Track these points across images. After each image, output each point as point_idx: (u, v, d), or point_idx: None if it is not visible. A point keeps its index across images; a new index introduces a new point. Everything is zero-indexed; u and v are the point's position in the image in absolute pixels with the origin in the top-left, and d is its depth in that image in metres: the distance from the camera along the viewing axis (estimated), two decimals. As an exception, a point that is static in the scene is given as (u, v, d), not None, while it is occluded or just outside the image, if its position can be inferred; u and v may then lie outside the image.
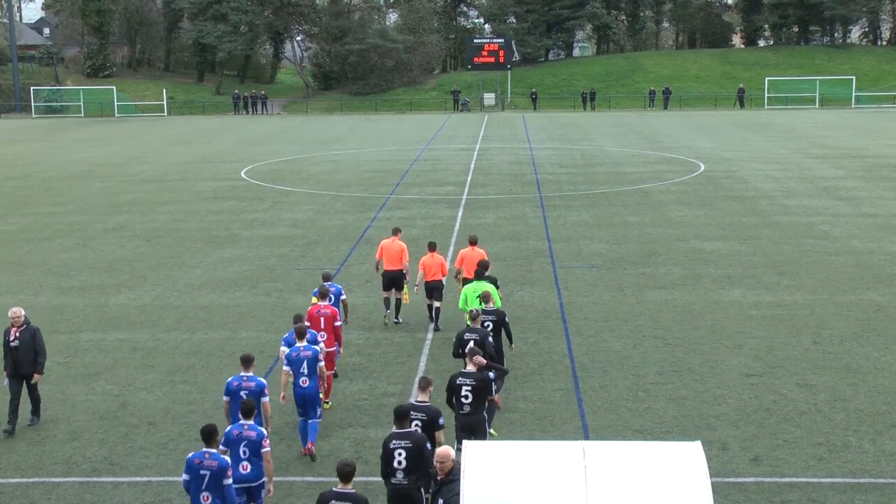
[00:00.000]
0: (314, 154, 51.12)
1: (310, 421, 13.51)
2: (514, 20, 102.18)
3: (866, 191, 35.83)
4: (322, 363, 13.59)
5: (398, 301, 19.57)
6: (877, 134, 57.95)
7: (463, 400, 12.07)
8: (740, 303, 20.89)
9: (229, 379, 12.66)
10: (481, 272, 16.98)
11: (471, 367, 12.34)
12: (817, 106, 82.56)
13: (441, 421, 11.17)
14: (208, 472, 10.29)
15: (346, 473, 9.63)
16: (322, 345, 14.58)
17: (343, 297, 16.85)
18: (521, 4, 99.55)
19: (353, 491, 9.62)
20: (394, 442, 10.46)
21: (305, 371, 13.34)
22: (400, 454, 10.38)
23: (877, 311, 20.23)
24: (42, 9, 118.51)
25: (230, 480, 10.37)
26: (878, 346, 17.93)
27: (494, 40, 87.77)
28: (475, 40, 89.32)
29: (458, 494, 8.35)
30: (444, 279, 19.28)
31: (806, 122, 67.48)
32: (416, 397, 11.47)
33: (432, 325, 19.31)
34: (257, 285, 22.99)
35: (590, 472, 8.09)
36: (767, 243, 26.78)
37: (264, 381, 12.60)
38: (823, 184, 37.63)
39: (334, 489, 9.67)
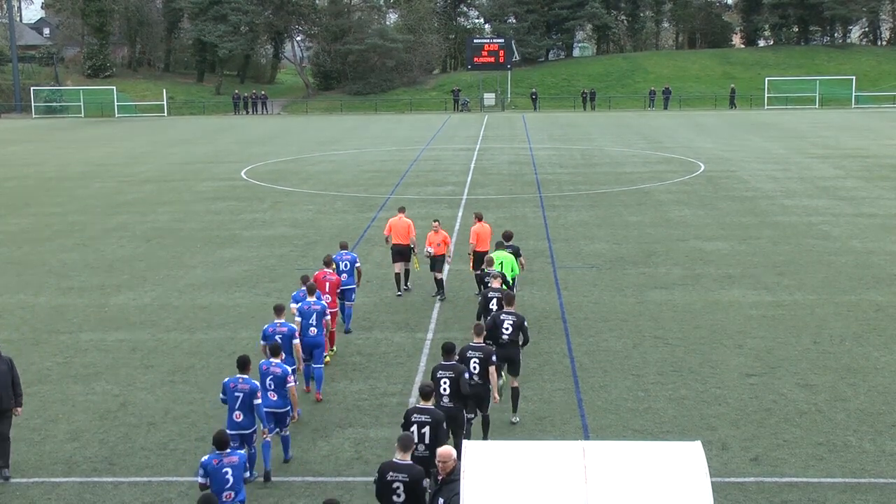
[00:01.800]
0: (314, 154, 51.12)
1: (315, 366, 15.48)
2: (514, 20, 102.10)
3: (866, 191, 35.83)
4: (328, 317, 15.83)
5: (407, 271, 21.72)
6: (877, 134, 57.94)
7: (504, 331, 14.28)
8: (740, 303, 20.89)
9: (265, 326, 14.61)
10: (502, 242, 19.20)
11: (510, 308, 14.63)
12: (817, 106, 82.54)
13: (494, 357, 13.28)
14: (241, 394, 12.13)
15: (426, 393, 11.40)
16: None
17: (358, 264, 19.12)
18: (521, 4, 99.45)
19: (433, 407, 11.31)
20: (440, 372, 12.49)
21: (314, 322, 15.44)
22: (445, 382, 12.36)
23: (877, 311, 20.23)
24: (42, 9, 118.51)
25: (260, 401, 12.27)
26: (878, 346, 17.93)
27: (494, 40, 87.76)
28: (475, 40, 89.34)
29: (458, 494, 8.36)
30: (447, 254, 21.35)
31: (806, 122, 67.47)
32: (472, 341, 13.47)
33: (437, 298, 21.20)
34: (257, 285, 22.99)
35: (590, 472, 8.10)
36: (767, 243, 26.78)
37: (295, 327, 14.73)
38: (823, 184, 37.63)
39: (417, 405, 11.36)
